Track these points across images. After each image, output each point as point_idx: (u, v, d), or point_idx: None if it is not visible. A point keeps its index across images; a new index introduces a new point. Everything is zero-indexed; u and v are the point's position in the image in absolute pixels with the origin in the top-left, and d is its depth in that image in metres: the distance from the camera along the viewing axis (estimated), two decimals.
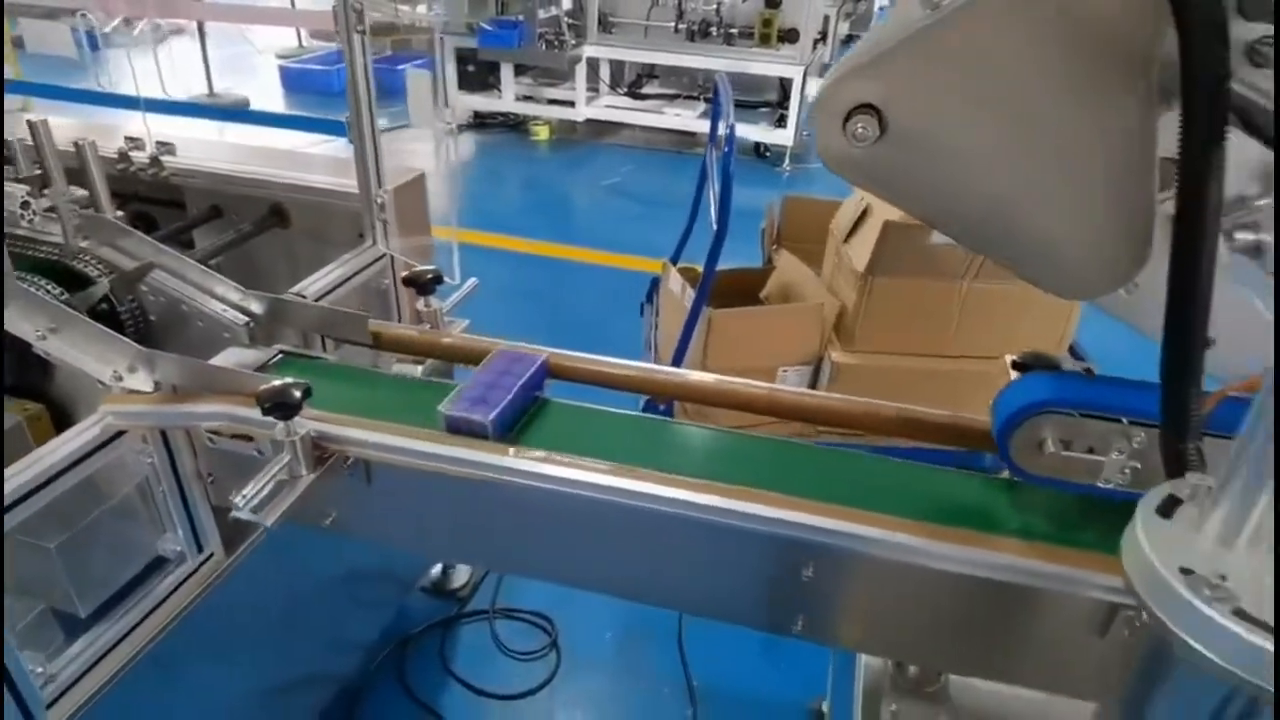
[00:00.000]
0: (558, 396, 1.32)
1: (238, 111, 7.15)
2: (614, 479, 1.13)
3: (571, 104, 7.13)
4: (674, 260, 3.17)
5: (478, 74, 7.35)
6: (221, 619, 1.55)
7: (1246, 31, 0.77)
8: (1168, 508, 0.67)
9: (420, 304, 1.47)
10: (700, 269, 2.81)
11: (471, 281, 1.62)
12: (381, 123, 1.81)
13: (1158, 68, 0.79)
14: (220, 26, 9.39)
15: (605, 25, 7.06)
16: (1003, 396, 1.03)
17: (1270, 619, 0.57)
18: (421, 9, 7.53)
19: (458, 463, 1.18)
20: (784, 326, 2.77)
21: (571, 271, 5.08)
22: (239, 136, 5.16)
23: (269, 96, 8.45)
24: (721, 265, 3.02)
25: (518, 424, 1.23)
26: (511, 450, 1.17)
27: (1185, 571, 0.60)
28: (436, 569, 2.65)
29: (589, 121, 7.30)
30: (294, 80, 8.69)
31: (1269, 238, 0.68)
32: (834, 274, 2.90)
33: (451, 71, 7.22)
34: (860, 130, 0.87)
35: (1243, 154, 0.77)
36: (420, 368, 1.45)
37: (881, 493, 1.10)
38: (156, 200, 2.18)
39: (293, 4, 9.84)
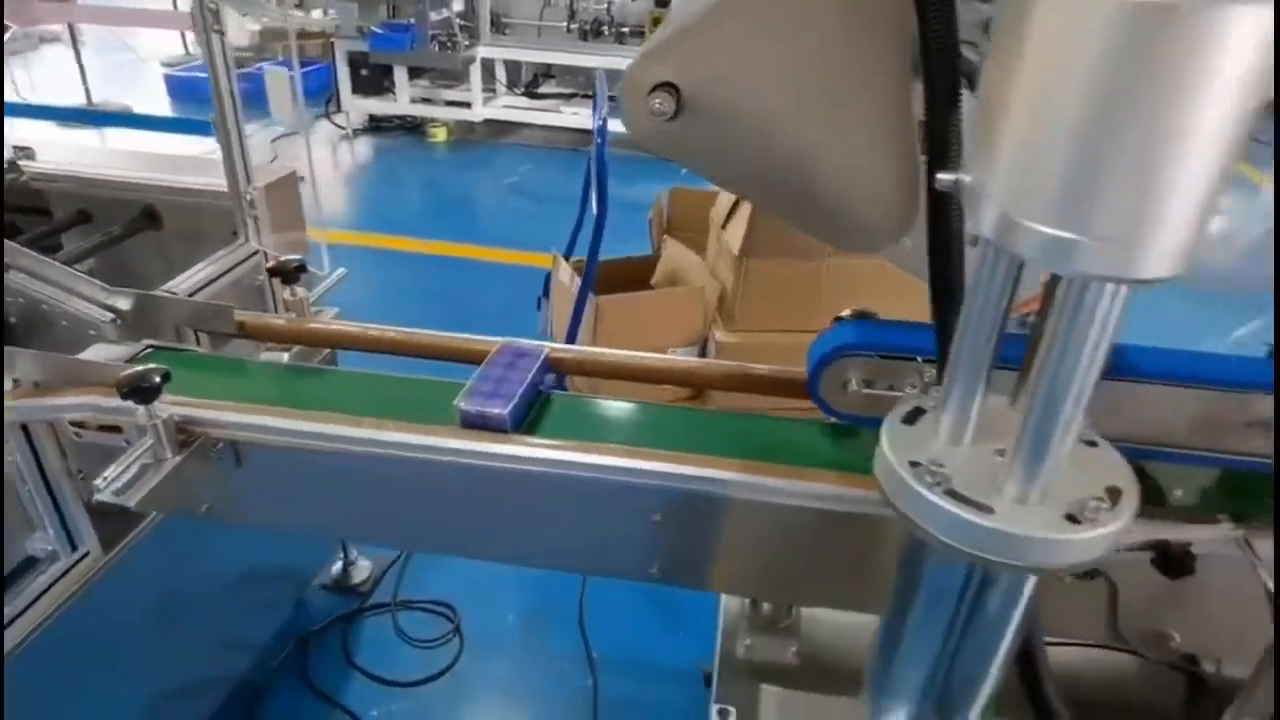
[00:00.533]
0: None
1: (108, 115, 6.90)
2: (472, 444, 1.19)
3: (469, 105, 7.13)
4: (567, 253, 3.25)
5: (372, 77, 7.29)
6: (103, 620, 1.55)
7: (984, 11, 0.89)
8: (912, 416, 0.78)
9: (286, 293, 1.51)
10: (606, 261, 2.90)
11: (340, 271, 1.67)
12: (253, 126, 1.84)
13: (910, 39, 0.91)
14: (98, 33, 9.04)
15: (498, 26, 7.09)
16: (814, 345, 1.14)
17: (984, 500, 0.68)
18: (317, 13, 7.43)
19: (327, 439, 1.22)
20: (668, 309, 2.87)
21: (473, 270, 5.11)
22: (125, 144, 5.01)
23: (155, 105, 8.17)
24: (616, 255, 3.12)
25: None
26: (376, 424, 1.22)
27: (914, 465, 0.71)
28: (337, 565, 2.67)
29: (488, 122, 7.31)
30: (180, 89, 8.42)
31: (968, 177, 0.78)
32: (715, 258, 3.02)
33: (345, 75, 7.13)
34: (657, 106, 0.95)
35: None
36: (287, 354, 1.48)
37: (723, 440, 1.20)
38: (19, 208, 2.14)
39: (175, 5, 9.53)
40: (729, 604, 1.44)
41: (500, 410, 1.15)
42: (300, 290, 1.52)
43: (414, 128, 7.57)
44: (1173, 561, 1.00)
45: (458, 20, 6.83)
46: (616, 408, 1.33)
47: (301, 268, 1.51)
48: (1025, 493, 0.67)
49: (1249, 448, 1.08)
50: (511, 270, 5.01)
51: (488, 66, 7.15)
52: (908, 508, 0.70)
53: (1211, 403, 1.09)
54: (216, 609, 2.03)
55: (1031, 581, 0.76)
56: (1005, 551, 0.66)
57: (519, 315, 3.74)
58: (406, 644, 2.48)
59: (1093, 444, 0.76)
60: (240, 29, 6.85)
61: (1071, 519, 0.66)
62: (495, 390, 1.19)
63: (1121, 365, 1.09)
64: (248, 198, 1.84)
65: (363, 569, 2.68)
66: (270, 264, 1.54)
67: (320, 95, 7.85)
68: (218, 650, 2.10)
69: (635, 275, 3.20)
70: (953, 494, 0.68)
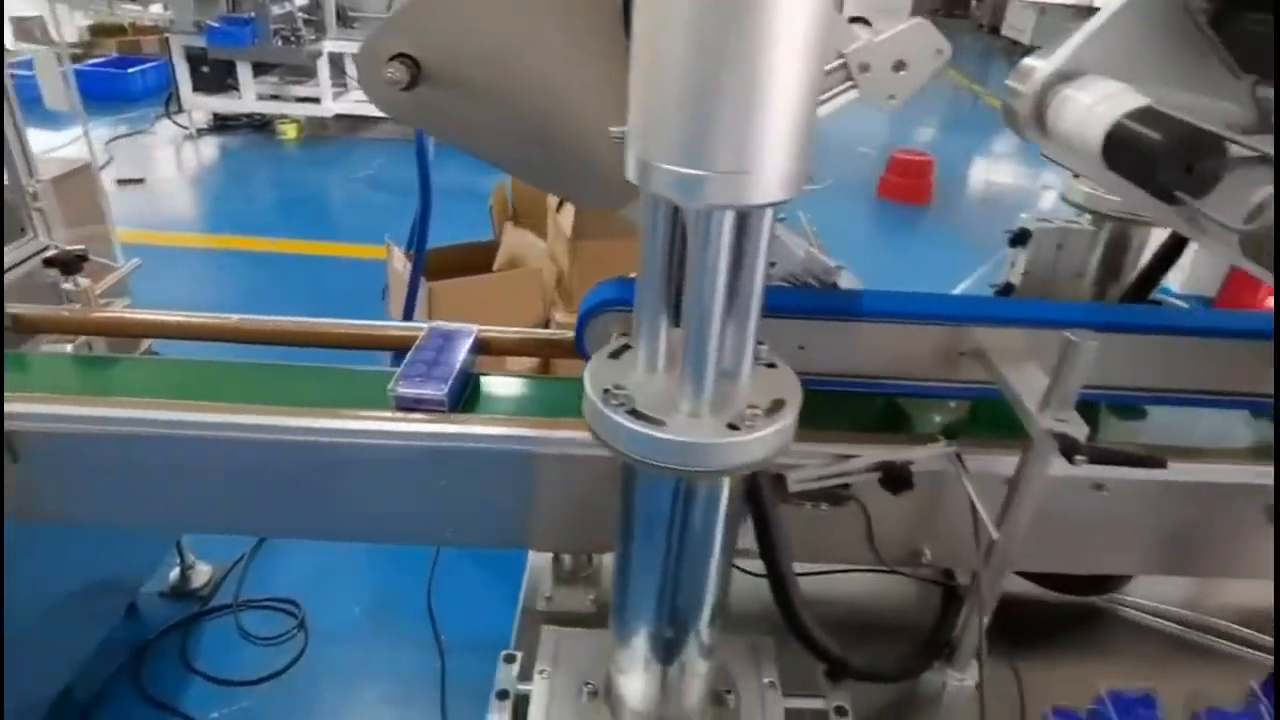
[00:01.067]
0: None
1: None
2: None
3: (318, 101, 6.94)
4: (410, 244, 3.23)
5: (214, 74, 6.99)
6: None
7: None
8: (618, 352, 0.85)
9: (68, 284, 1.47)
10: (446, 248, 2.90)
11: (134, 262, 1.63)
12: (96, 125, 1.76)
13: None
14: None
15: (345, 20, 6.92)
16: (581, 303, 1.21)
17: (660, 416, 0.75)
18: (156, 8, 7.06)
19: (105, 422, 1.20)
20: (506, 293, 2.91)
21: (327, 266, 5.00)
22: None
23: None
24: (457, 241, 3.12)
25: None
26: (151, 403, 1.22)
27: (605, 391, 0.78)
28: (174, 571, 2.59)
29: (340, 117, 7.14)
30: None
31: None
32: (553, 241, 3.07)
33: (184, 72, 6.81)
34: (391, 75, 1.00)
35: None
36: (71, 345, 1.45)
37: None
38: None
39: None
40: (535, 560, 1.50)
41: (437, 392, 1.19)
42: (84, 281, 1.49)
43: (263, 126, 7.32)
44: (895, 479, 1.12)
45: (301, 14, 6.63)
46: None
47: (83, 257, 1.48)
48: (696, 408, 0.75)
49: (966, 375, 1.21)
50: (367, 265, 4.92)
51: (336, 61, 6.98)
52: (599, 429, 0.77)
53: (938, 337, 1.21)
54: (30, 622, 1.94)
55: (725, 497, 0.84)
56: (676, 458, 0.74)
57: (371, 307, 3.69)
58: (250, 643, 2.44)
59: (772, 366, 0.85)
60: (69, 24, 6.46)
61: (733, 427, 0.74)
62: (428, 373, 1.23)
63: (857, 307, 1.20)
64: (30, 190, 1.77)
65: (202, 573, 2.61)
66: (46, 255, 1.50)
67: (159, 94, 7.48)
68: (33, 666, 2.01)
69: (478, 261, 3.22)
70: (634, 413, 0.75)
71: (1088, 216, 1.38)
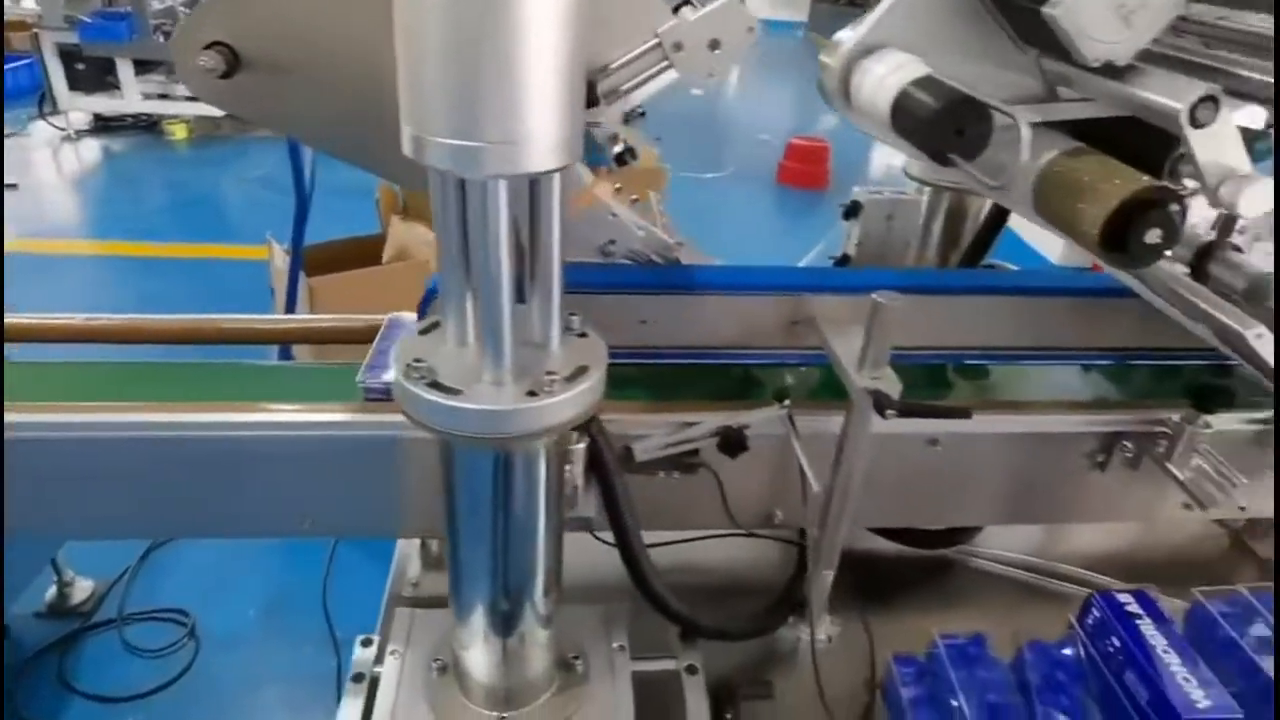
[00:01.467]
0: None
1: None
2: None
3: None
4: (296, 241, 3.17)
5: (92, 72, 6.68)
6: None
7: None
8: (429, 328, 0.86)
9: None
10: (330, 243, 2.85)
11: None
12: None
13: None
14: None
15: None
16: (427, 287, 1.21)
17: (462, 387, 0.77)
18: (28, 3, 6.69)
19: None
20: (391, 285, 2.88)
21: (220, 268, 4.86)
22: None
23: None
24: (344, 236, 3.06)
25: None
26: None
27: (409, 365, 0.79)
28: (51, 589, 2.49)
29: (232, 116, 6.89)
30: None
31: None
32: None
33: (57, 70, 6.49)
34: (204, 63, 0.98)
35: None
36: None
37: None
38: None
39: None
40: (402, 547, 1.50)
41: None
42: None
43: (150, 126, 7.04)
44: (732, 443, 1.16)
45: (183, 8, 6.38)
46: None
47: None
48: (498, 376, 0.77)
49: (802, 342, 1.26)
50: (262, 266, 4.79)
51: None
52: (403, 402, 0.78)
53: (775, 307, 1.26)
54: None
55: (543, 466, 0.86)
56: (475, 426, 0.76)
57: (263, 308, 3.60)
58: (137, 657, 2.37)
59: (584, 335, 0.87)
60: None
61: (532, 394, 0.76)
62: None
63: (694, 281, 1.24)
64: None
65: (82, 589, 2.52)
66: None
67: (32, 94, 7.11)
68: None
69: (366, 255, 3.18)
70: (435, 385, 0.77)
71: (927, 189, 1.45)
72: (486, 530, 0.90)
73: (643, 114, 8.16)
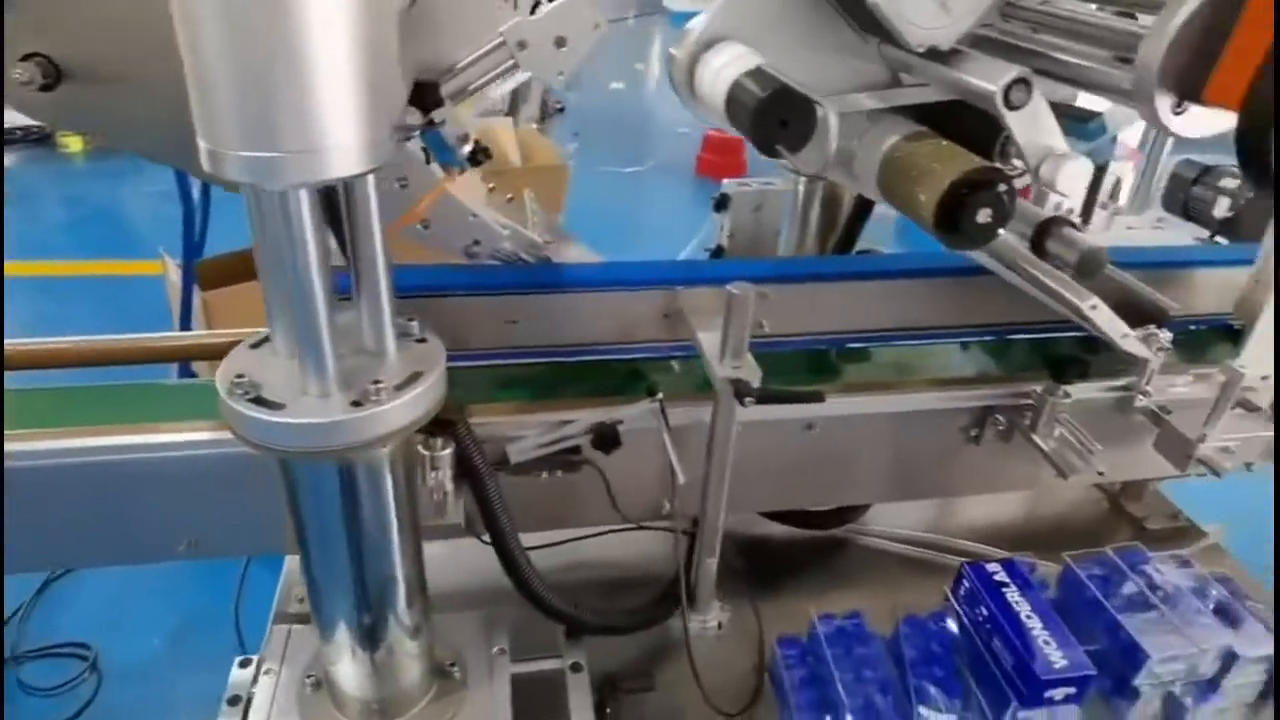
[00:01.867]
0: None
1: None
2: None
3: None
4: (187, 254, 3.06)
5: None
6: None
7: None
8: (259, 342, 0.84)
9: None
10: (228, 255, 2.76)
11: None
12: None
13: None
14: None
15: None
16: None
17: (286, 401, 0.75)
18: None
19: None
20: None
21: (119, 286, 4.68)
22: None
23: None
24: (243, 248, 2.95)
25: None
26: None
27: (233, 381, 0.76)
28: None
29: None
30: None
31: None
32: None
33: None
34: (19, 76, 0.94)
35: None
36: None
37: None
38: None
39: None
40: (290, 563, 1.47)
41: None
42: None
43: (42, 139, 6.74)
44: (606, 439, 1.16)
45: None
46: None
47: None
48: (324, 388, 0.76)
49: (674, 335, 1.27)
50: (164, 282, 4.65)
51: None
52: (230, 421, 0.76)
53: (646, 301, 1.26)
54: None
55: (388, 475, 0.85)
56: (301, 440, 0.74)
57: (165, 326, 3.48)
58: (32, 696, 2.27)
59: (423, 340, 0.86)
60: None
61: (357, 404, 0.75)
62: None
63: (562, 279, 1.24)
64: None
65: None
66: None
67: None
68: None
69: None
70: (258, 400, 0.75)
71: (803, 179, 1.47)
72: (338, 544, 0.88)
73: (561, 109, 8.14)
